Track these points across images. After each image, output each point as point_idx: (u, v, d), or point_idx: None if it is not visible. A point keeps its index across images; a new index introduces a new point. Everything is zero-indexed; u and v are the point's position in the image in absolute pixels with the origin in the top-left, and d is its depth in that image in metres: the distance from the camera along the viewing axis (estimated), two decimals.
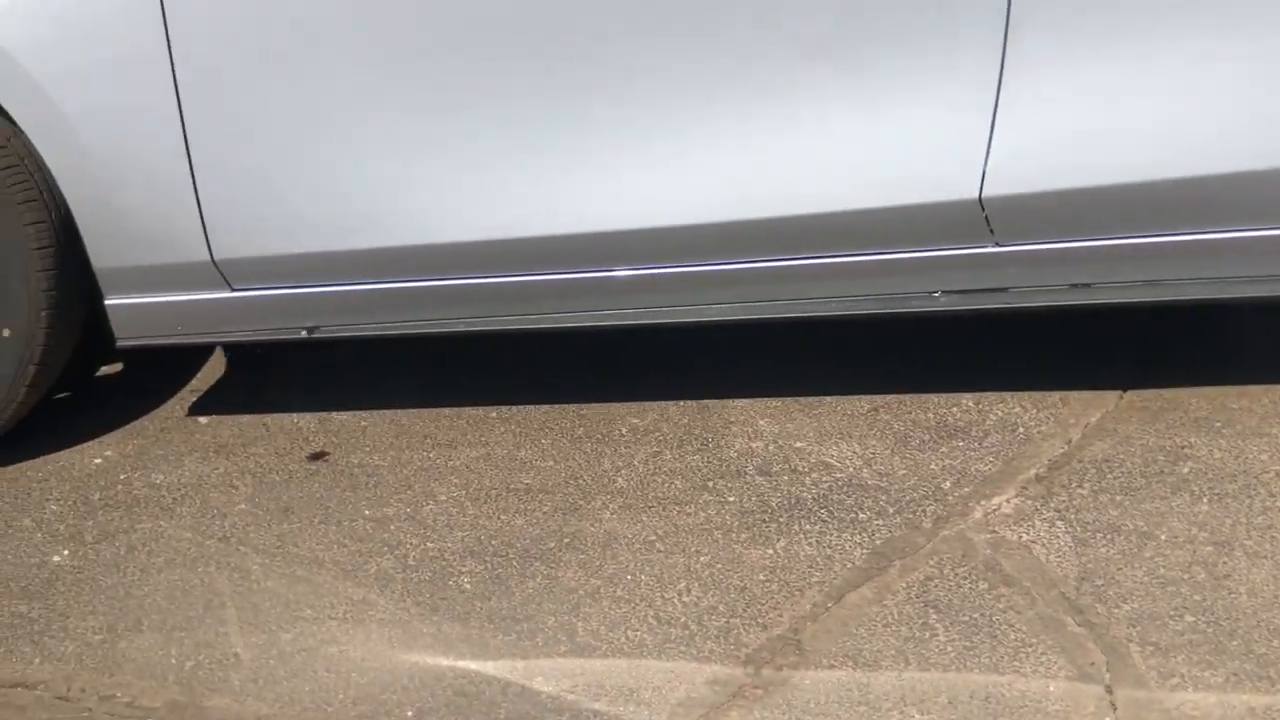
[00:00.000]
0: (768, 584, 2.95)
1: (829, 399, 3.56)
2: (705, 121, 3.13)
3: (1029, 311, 3.29)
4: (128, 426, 3.69)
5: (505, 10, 3.15)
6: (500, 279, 3.31)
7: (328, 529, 3.22)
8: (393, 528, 3.21)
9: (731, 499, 3.21)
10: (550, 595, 2.96)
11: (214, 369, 3.96)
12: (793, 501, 3.19)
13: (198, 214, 3.31)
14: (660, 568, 3.02)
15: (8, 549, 3.24)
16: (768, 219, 3.18)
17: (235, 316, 3.43)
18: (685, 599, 2.92)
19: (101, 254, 3.36)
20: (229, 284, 3.38)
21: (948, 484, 3.21)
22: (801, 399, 3.58)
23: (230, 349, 3.92)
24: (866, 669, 2.70)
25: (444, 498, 3.31)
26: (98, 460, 3.57)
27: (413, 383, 3.82)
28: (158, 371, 3.93)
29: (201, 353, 3.99)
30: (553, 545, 3.11)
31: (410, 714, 2.67)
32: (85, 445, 3.63)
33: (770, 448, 3.39)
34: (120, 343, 3.47)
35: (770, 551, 3.04)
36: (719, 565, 3.01)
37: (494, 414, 3.64)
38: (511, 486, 3.33)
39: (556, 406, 3.64)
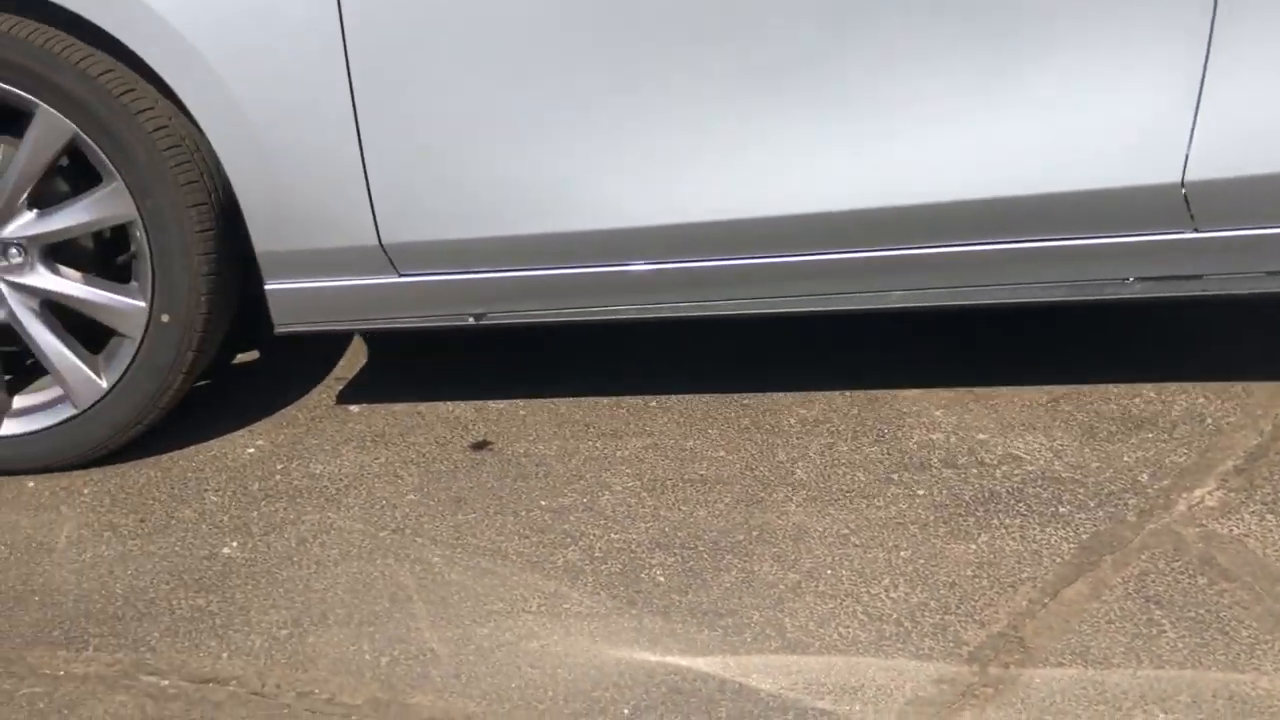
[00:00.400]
0: (977, 579, 2.83)
1: (1003, 389, 3.45)
2: (914, 101, 3.01)
3: (1223, 299, 3.16)
4: (276, 415, 3.58)
5: None
6: (675, 264, 3.19)
7: (504, 520, 3.11)
8: (572, 519, 3.09)
9: (921, 492, 3.10)
10: (749, 589, 2.84)
11: (355, 357, 3.85)
12: (986, 495, 3.08)
13: (367, 197, 3.19)
14: (859, 562, 2.90)
15: (174, 541, 3.14)
16: (967, 201, 3.06)
17: (401, 302, 3.32)
18: (892, 595, 2.81)
19: (265, 237, 3.24)
20: (396, 269, 3.26)
21: (1145, 476, 3.10)
22: (974, 389, 3.46)
23: (372, 337, 3.79)
24: (1098, 667, 2.58)
25: (619, 488, 3.19)
26: (250, 450, 3.45)
27: (564, 371, 3.72)
28: (297, 360, 3.79)
29: (341, 341, 3.87)
30: (741, 538, 3.00)
31: (627, 712, 2.56)
32: (234, 434, 3.52)
33: (951, 439, 3.28)
34: (279, 329, 3.35)
35: (973, 546, 2.92)
36: (921, 560, 2.89)
37: (653, 403, 3.53)
38: (686, 477, 3.21)
39: (717, 396, 3.53)
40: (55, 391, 3.39)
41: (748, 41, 3.01)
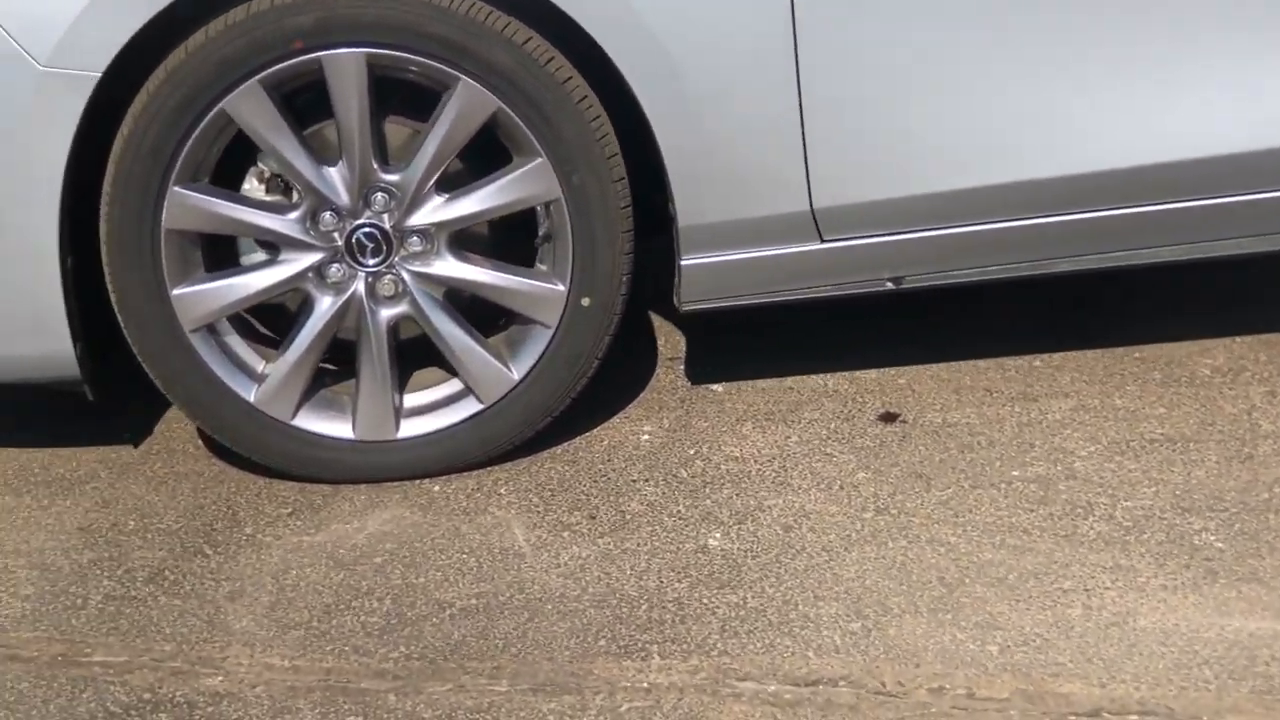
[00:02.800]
0: None
1: None
2: None
3: None
4: (639, 400, 3.36)
5: None
6: (1088, 214, 3.03)
7: (987, 493, 2.95)
8: (1062, 488, 2.92)
9: None
10: None
11: (671, 336, 3.60)
12: None
13: (803, 160, 2.97)
14: None
15: (648, 536, 2.93)
16: None
17: (821, 270, 3.12)
18: None
19: (689, 210, 3.01)
20: (820, 235, 3.04)
21: None
22: None
23: (683, 315, 3.48)
24: None
25: (1084, 454, 3.03)
26: (644, 436, 3.23)
27: (905, 335, 3.53)
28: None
29: (636, 320, 3.61)
30: (1266, 495, 2.85)
31: None
32: (611, 422, 3.29)
33: None
34: (685, 306, 3.11)
35: None
36: None
37: (1037, 362, 3.38)
38: (1147, 437, 3.07)
39: (1101, 351, 3.37)
40: (452, 387, 3.12)
41: None
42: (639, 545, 2.86)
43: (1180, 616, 2.57)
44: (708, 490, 3.00)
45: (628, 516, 2.94)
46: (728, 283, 3.09)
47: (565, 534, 2.91)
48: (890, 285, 3.13)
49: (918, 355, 3.45)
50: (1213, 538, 2.76)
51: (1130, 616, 2.57)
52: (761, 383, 3.39)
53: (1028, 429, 3.13)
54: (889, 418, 3.22)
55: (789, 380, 3.39)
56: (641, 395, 3.37)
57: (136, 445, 3.30)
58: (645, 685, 2.50)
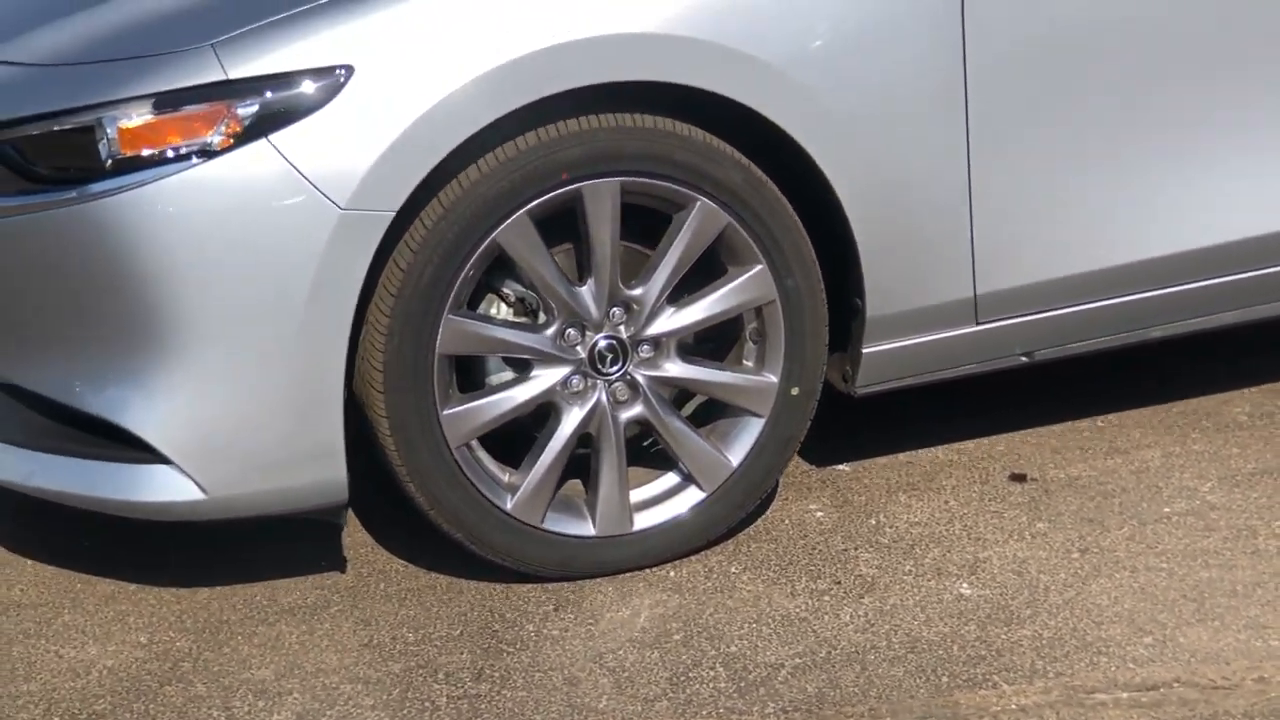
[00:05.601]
0: None
1: None
2: None
3: None
4: (779, 484, 3.67)
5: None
6: (1240, 276, 3.58)
7: (1160, 527, 3.43)
8: (1214, 516, 3.44)
9: None
10: None
11: None
12: None
13: (970, 250, 3.41)
14: None
15: (906, 592, 3.26)
16: None
17: (972, 350, 3.53)
18: None
19: (877, 302, 3.39)
20: (976, 318, 3.49)
21: None
22: None
23: None
24: None
25: (1205, 489, 3.58)
26: (819, 514, 3.57)
27: (972, 408, 3.96)
28: None
29: None
30: None
31: None
32: (777, 504, 3.60)
33: None
34: (860, 391, 3.49)
35: None
36: None
37: (1099, 423, 3.89)
38: (1243, 471, 3.61)
39: (1147, 409, 3.92)
40: (669, 480, 3.38)
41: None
42: (902, 600, 3.19)
43: None
44: (918, 551, 3.36)
45: (868, 579, 3.27)
46: (896, 368, 3.47)
47: (826, 598, 3.22)
48: (1024, 359, 3.57)
49: (995, 426, 3.87)
50: None
51: None
52: (880, 460, 3.76)
53: (1143, 475, 3.61)
54: (1019, 478, 3.65)
55: (902, 455, 3.77)
56: (787, 478, 3.68)
57: (343, 571, 3.42)
58: (1014, 707, 2.84)
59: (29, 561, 3.52)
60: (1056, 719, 2.79)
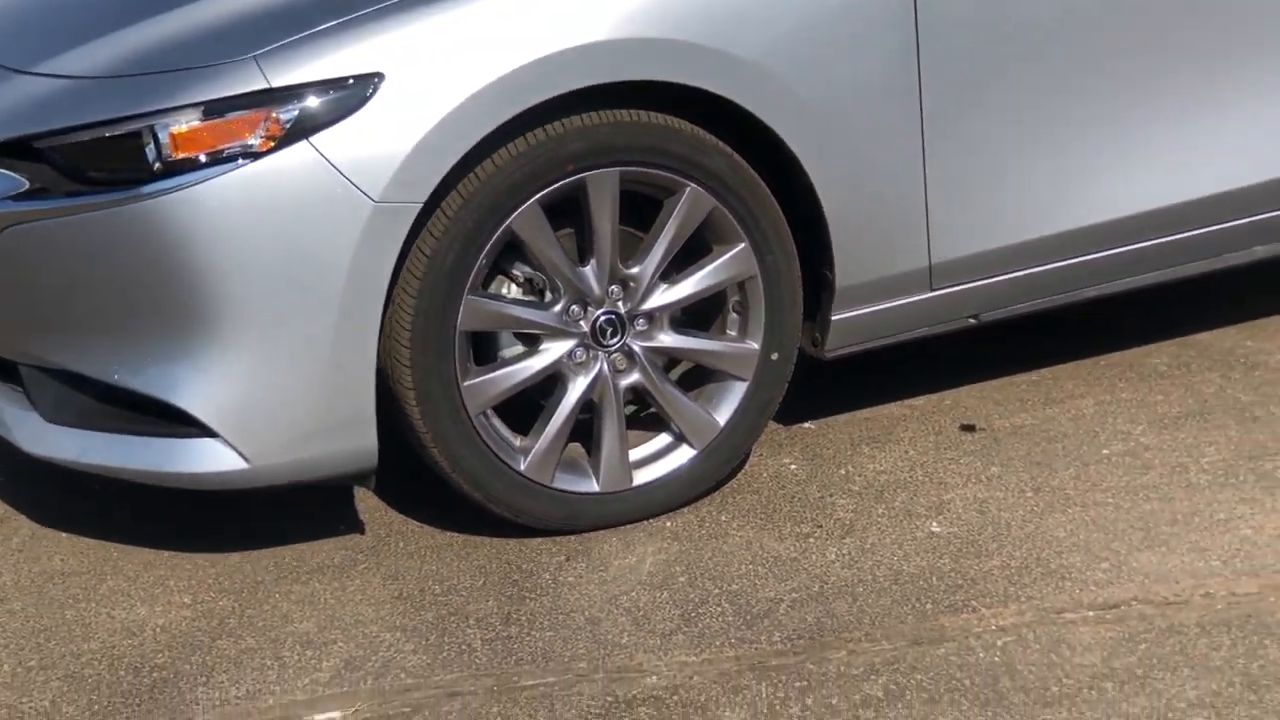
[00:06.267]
0: None
1: None
2: None
3: None
4: (759, 441, 4.04)
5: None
6: (1165, 239, 3.99)
7: (1102, 467, 3.79)
8: (1149, 456, 3.84)
9: None
10: None
11: None
12: None
13: (925, 224, 3.80)
14: None
15: (883, 531, 3.63)
16: None
17: (926, 315, 3.91)
18: None
19: (845, 274, 3.75)
20: (931, 285, 3.88)
21: None
22: None
23: None
24: None
25: (1138, 432, 3.95)
26: (792, 466, 3.94)
27: (917, 370, 4.32)
28: None
29: None
30: None
31: None
32: (754, 460, 3.97)
33: None
34: (829, 354, 3.85)
35: None
36: None
37: (1034, 378, 4.29)
38: (1169, 416, 4.02)
39: (1076, 363, 4.34)
40: (662, 440, 3.72)
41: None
42: (880, 539, 3.57)
43: None
44: (887, 495, 3.74)
45: (846, 522, 3.65)
46: (861, 333, 3.84)
47: (811, 540, 3.59)
48: (972, 321, 3.96)
49: (940, 383, 4.24)
50: None
51: None
52: (841, 417, 4.14)
53: (1080, 422, 4.01)
54: (969, 428, 4.04)
55: (860, 413, 4.15)
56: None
57: (363, 533, 3.75)
58: (994, 628, 3.23)
59: (64, 534, 3.77)
60: (1033, 636, 3.16)
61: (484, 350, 3.56)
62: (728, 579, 3.40)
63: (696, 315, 3.71)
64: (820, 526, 3.58)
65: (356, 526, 3.71)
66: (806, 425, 4.05)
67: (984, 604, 3.25)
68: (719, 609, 3.30)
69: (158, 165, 3.26)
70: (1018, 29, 3.71)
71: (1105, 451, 3.82)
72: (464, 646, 3.23)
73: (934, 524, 3.55)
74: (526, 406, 3.61)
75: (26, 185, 3.40)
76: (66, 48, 3.52)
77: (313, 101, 3.23)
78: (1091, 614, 3.19)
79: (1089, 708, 2.91)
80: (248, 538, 3.72)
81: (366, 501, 3.81)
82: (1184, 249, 3.96)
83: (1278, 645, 3.08)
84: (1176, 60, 3.87)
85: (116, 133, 3.30)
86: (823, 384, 4.14)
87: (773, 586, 3.36)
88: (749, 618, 3.26)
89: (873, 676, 3.07)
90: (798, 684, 3.04)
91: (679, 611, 3.30)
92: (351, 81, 3.24)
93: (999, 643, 3.13)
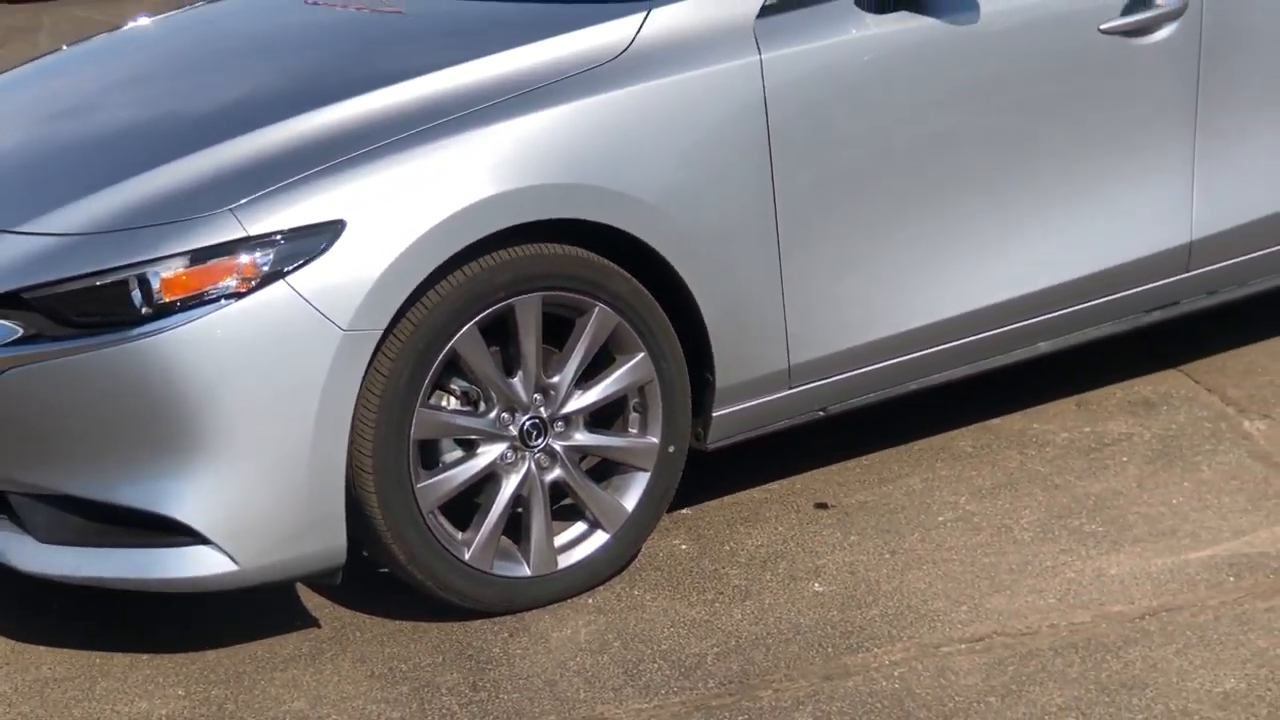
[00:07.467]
0: None
1: None
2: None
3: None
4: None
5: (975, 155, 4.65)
6: (975, 338, 4.74)
7: (940, 531, 4.45)
8: (976, 521, 4.55)
9: None
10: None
11: None
12: None
13: (784, 333, 4.47)
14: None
15: (776, 592, 4.21)
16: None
17: (784, 410, 4.56)
18: None
19: (724, 376, 4.39)
20: (789, 383, 4.56)
21: None
22: None
23: None
24: None
25: (963, 501, 4.66)
26: (682, 546, 4.57)
27: (765, 454, 4.93)
28: None
29: None
30: (1093, 500, 4.64)
31: (1231, 580, 4.20)
32: (650, 543, 4.60)
33: None
34: (711, 445, 4.47)
35: None
36: None
37: (865, 462, 5.01)
38: (985, 487, 4.74)
39: (887, 451, 5.06)
40: (578, 528, 4.29)
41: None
42: (775, 599, 4.17)
43: (1114, 563, 4.23)
44: (770, 564, 4.34)
45: (742, 588, 4.25)
46: (732, 427, 4.48)
47: (717, 605, 4.19)
48: (821, 414, 4.65)
49: (787, 470, 4.85)
50: (1091, 525, 4.45)
51: (1102, 568, 4.22)
52: (710, 503, 4.75)
53: (913, 496, 4.67)
54: (822, 505, 4.69)
55: (726, 498, 4.78)
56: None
57: (320, 626, 4.24)
58: (888, 663, 3.83)
59: (42, 646, 4.14)
60: (921, 667, 3.80)
61: (426, 456, 4.06)
62: (655, 640, 3.96)
63: (599, 416, 4.25)
64: (721, 593, 4.17)
65: (312, 621, 4.15)
66: (684, 511, 4.64)
67: (875, 644, 3.87)
68: (655, 665, 3.86)
69: (145, 309, 3.71)
70: (852, 162, 4.37)
71: (940, 519, 4.49)
72: (445, 711, 3.73)
73: (816, 584, 4.17)
74: (458, 503, 4.09)
75: (21, 332, 3.77)
76: (50, 208, 3.93)
77: (286, 246, 3.73)
78: (964, 646, 3.84)
79: (981, 717, 3.54)
80: (213, 636, 4.11)
81: (311, 599, 4.26)
82: (992, 345, 4.68)
83: (1116, 659, 3.75)
84: (970, 190, 4.59)
85: (106, 281, 3.74)
86: (690, 475, 4.67)
87: (696, 644, 3.93)
88: (683, 670, 3.83)
89: (800, 708, 3.65)
90: (741, 718, 3.61)
91: (621, 670, 3.85)
92: (319, 227, 3.75)
93: (896, 673, 3.76)
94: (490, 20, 4.52)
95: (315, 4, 5.14)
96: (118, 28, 5.72)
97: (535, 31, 4.16)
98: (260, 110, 4.12)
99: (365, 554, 3.99)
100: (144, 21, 5.59)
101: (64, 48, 5.57)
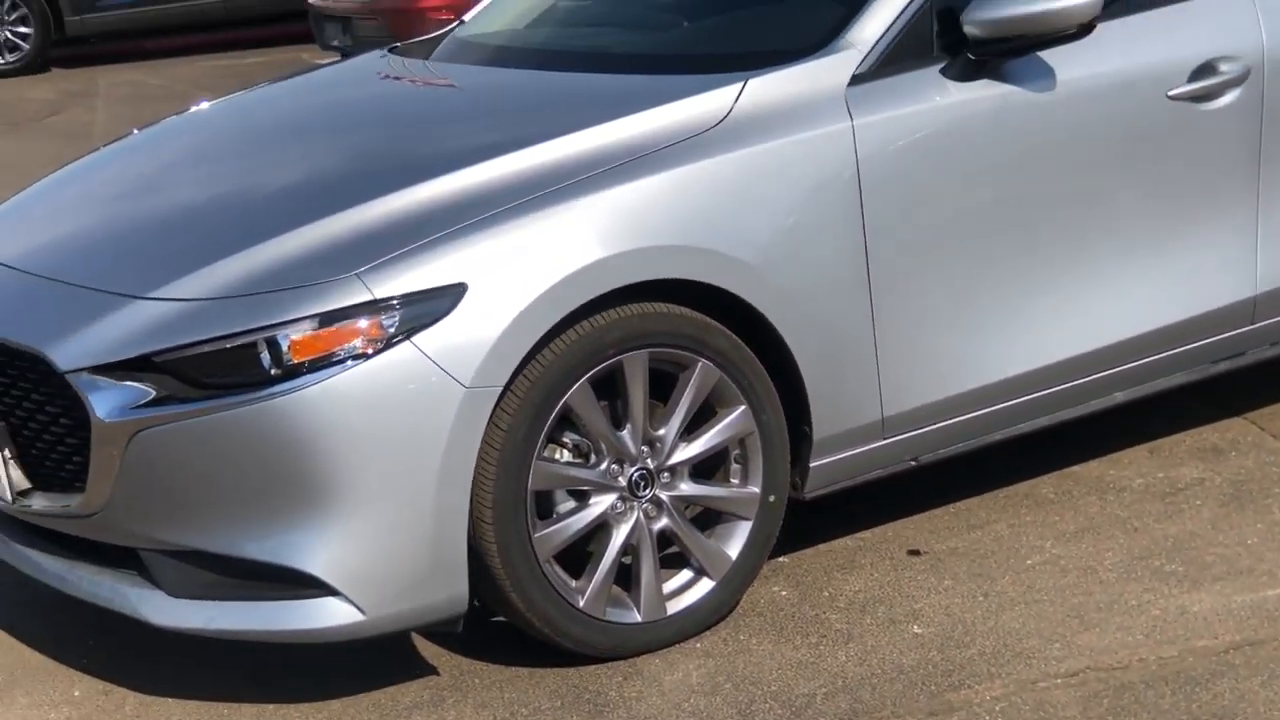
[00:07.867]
0: None
1: None
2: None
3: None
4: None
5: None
6: (1055, 389, 4.91)
7: (1032, 573, 4.60)
8: (1064, 564, 4.71)
9: None
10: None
11: None
12: None
13: (878, 385, 4.64)
14: None
15: (877, 634, 4.36)
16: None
17: (880, 460, 4.75)
18: None
19: (821, 428, 4.58)
20: (884, 434, 4.74)
21: None
22: None
23: None
24: None
25: (1049, 544, 4.81)
26: (782, 592, 4.73)
27: (853, 503, 5.08)
28: None
29: None
30: (1169, 546, 4.79)
31: None
32: (751, 591, 4.75)
33: None
34: (809, 495, 4.63)
35: None
36: None
37: (954, 509, 5.18)
38: (1069, 531, 4.88)
39: (974, 499, 5.22)
40: (686, 574, 4.45)
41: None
42: (877, 641, 4.33)
43: (1196, 600, 4.37)
44: (870, 609, 4.49)
45: (844, 632, 4.40)
46: (832, 476, 4.64)
47: (821, 648, 4.34)
48: (913, 463, 4.81)
49: (878, 519, 4.99)
50: (1171, 566, 4.61)
51: (1185, 605, 4.36)
52: (806, 551, 4.92)
53: (1001, 541, 4.82)
54: (915, 552, 4.85)
55: (821, 546, 4.94)
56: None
57: (439, 674, 4.41)
58: (989, 698, 3.98)
59: (171, 699, 4.31)
60: (1021, 701, 3.95)
61: (540, 506, 4.23)
62: (765, 682, 4.12)
63: (703, 467, 4.43)
64: (824, 637, 4.32)
65: (430, 669, 4.32)
66: (781, 559, 4.80)
67: (976, 681, 4.03)
68: (767, 705, 4.02)
69: (275, 370, 3.90)
70: (939, 221, 4.55)
71: (1029, 562, 4.64)
72: None
73: (915, 626, 4.33)
74: (568, 552, 4.26)
75: (153, 394, 3.96)
76: (177, 275, 4.12)
77: (410, 309, 3.92)
78: (1059, 681, 3.99)
79: None
80: (334, 687, 4.27)
81: (427, 649, 4.42)
82: (1071, 396, 4.85)
83: (1205, 690, 3.90)
84: (1049, 249, 4.76)
85: (235, 344, 3.93)
86: (785, 523, 4.78)
87: (804, 685, 4.09)
88: (794, 709, 3.98)
89: None
90: None
91: (735, 710, 4.00)
92: (443, 290, 3.93)
93: (998, 708, 3.91)
94: (589, 92, 4.72)
95: (390, 79, 5.35)
96: (183, 111, 5.88)
97: (638, 103, 4.33)
98: (372, 180, 4.33)
99: (476, 602, 4.10)
100: (204, 106, 5.76)
101: (134, 131, 5.72)
